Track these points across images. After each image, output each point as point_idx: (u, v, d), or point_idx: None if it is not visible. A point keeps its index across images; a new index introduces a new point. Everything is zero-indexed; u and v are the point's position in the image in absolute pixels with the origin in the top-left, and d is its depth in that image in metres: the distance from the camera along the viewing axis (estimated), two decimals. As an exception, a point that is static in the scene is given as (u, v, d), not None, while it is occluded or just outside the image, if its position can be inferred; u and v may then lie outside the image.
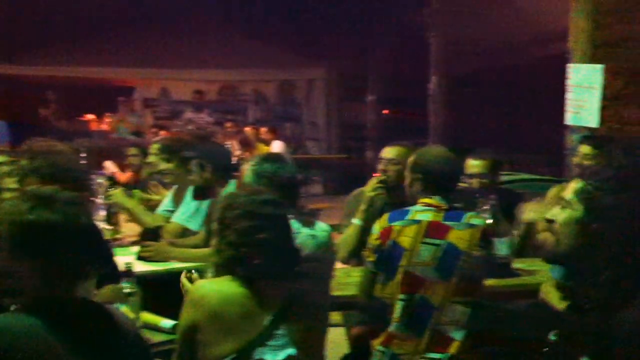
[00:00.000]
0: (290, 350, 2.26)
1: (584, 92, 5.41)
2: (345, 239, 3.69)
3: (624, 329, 1.60)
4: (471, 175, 3.99)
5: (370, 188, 3.69)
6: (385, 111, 12.95)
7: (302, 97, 14.52)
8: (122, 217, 4.46)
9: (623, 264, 1.66)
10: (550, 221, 1.86)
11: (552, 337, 2.75)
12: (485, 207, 3.33)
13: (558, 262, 2.15)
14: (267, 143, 10.51)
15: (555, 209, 1.86)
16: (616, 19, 5.68)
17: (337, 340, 3.88)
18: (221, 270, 2.30)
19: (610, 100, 5.53)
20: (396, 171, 3.71)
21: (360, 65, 12.61)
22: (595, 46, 5.58)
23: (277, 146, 10.44)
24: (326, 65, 13.66)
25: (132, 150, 6.13)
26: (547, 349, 1.94)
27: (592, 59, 5.54)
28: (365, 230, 3.38)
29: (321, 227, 2.96)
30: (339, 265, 3.72)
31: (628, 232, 1.67)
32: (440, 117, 10.64)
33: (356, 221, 3.65)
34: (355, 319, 3.57)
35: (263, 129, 11.05)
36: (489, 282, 3.13)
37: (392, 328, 2.89)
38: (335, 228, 4.13)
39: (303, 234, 2.90)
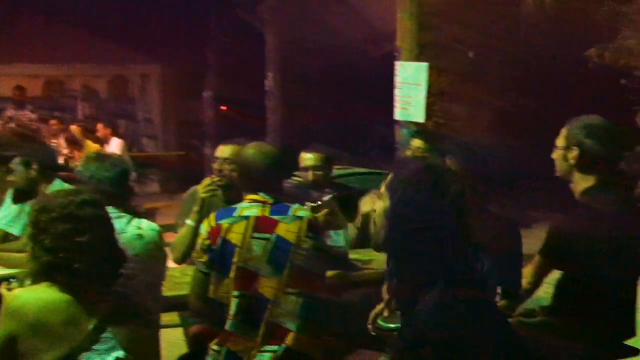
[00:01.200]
0: (119, 353, 2.19)
1: (410, 89, 5.66)
2: (178, 240, 3.59)
3: (422, 312, 1.67)
4: (305, 168, 4.06)
5: (203, 189, 3.62)
6: (223, 107, 12.85)
7: (136, 93, 14.08)
8: None
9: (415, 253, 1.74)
10: (374, 211, 1.93)
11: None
12: (320, 200, 3.36)
13: (380, 250, 2.24)
14: (105, 140, 9.95)
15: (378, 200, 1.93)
16: (440, 21, 6.00)
17: (174, 340, 3.80)
18: (39, 277, 2.18)
19: (436, 97, 5.84)
20: (231, 170, 3.68)
21: (196, 61, 12.41)
22: (421, 46, 5.87)
23: (115, 144, 9.95)
24: (161, 60, 13.33)
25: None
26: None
27: (419, 58, 5.82)
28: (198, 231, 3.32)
29: (150, 226, 2.87)
30: (174, 265, 3.64)
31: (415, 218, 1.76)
32: (277, 114, 10.71)
33: (189, 222, 3.55)
34: (192, 318, 3.51)
35: (100, 125, 10.45)
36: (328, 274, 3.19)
37: (228, 326, 2.86)
38: (171, 227, 4.04)
39: (129, 234, 2.80)
